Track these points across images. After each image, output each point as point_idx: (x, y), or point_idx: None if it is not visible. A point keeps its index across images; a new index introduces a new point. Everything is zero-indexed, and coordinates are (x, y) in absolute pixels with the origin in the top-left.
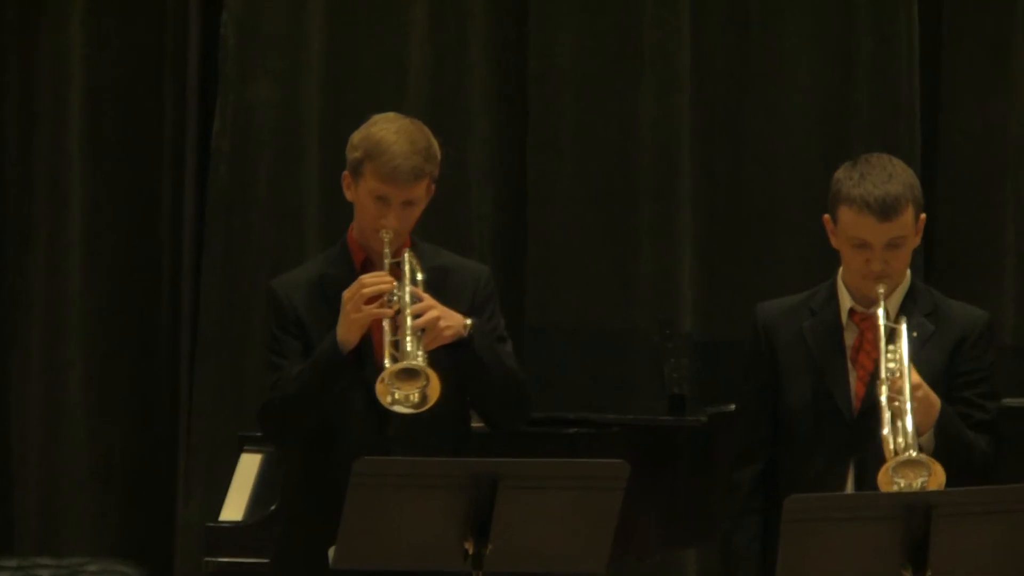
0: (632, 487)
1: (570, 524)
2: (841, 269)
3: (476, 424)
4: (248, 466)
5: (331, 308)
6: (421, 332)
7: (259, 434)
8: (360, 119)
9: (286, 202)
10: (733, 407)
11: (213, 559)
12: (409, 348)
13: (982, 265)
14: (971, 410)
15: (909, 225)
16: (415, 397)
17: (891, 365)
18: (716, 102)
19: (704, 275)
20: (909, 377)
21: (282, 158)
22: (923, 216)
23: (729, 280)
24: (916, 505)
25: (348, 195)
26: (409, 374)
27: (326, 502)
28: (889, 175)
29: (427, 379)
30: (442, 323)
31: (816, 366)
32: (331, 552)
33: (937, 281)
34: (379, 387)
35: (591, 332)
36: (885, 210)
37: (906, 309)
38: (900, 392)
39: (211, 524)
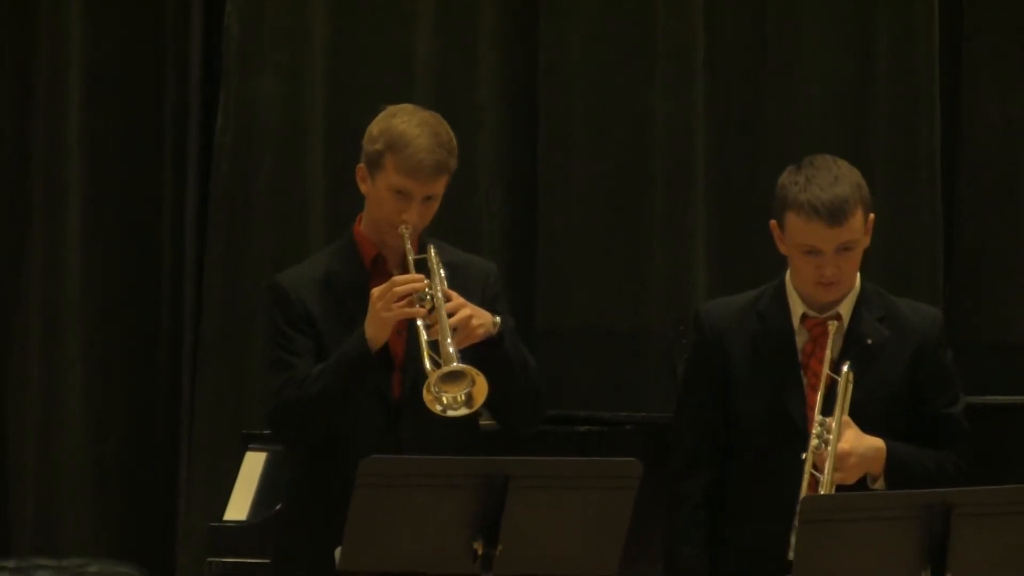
0: (645, 486)
1: (582, 524)
2: (789, 272)
3: (485, 422)
4: (252, 465)
5: (339, 305)
6: (453, 331)
7: (265, 433)
8: (366, 113)
9: (290, 198)
10: None
11: (216, 560)
12: (451, 350)
13: (1004, 259)
14: (941, 424)
15: (859, 228)
16: (462, 398)
17: (816, 431)
18: (731, 96)
19: (718, 273)
20: (835, 447)
21: (286, 153)
22: (872, 216)
23: (743, 278)
24: (935, 505)
25: (363, 188)
26: (454, 376)
27: (332, 504)
28: (835, 177)
29: (473, 380)
30: (474, 321)
31: (768, 374)
32: (337, 553)
33: (958, 276)
34: (426, 395)
35: (603, 331)
36: (834, 214)
37: (858, 314)
38: (821, 467)
39: (214, 524)
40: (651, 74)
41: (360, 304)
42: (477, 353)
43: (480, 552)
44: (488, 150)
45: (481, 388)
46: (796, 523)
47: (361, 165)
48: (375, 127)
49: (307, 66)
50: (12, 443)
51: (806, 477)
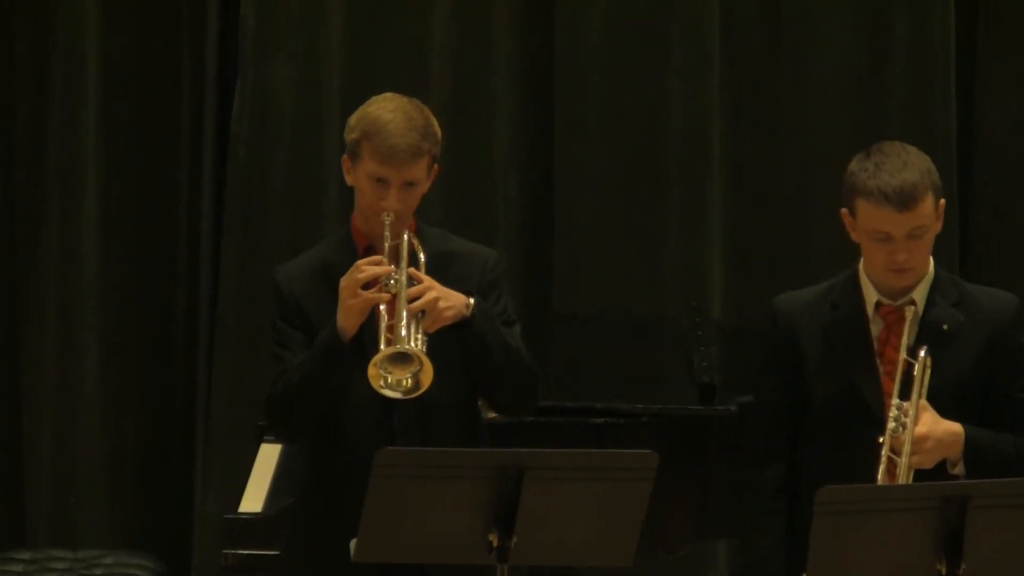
0: (661, 478)
1: (597, 516)
2: (862, 261)
3: (491, 416)
4: (267, 457)
5: (334, 296)
6: (421, 315)
7: None
8: None
9: (306, 185)
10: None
11: (232, 551)
12: (404, 333)
13: (1020, 245)
14: (1017, 409)
15: (929, 213)
16: (408, 382)
17: (894, 415)
18: (747, 82)
19: (734, 260)
20: (912, 431)
21: (302, 140)
22: (942, 201)
23: (760, 266)
24: (951, 496)
25: (348, 180)
26: (402, 359)
27: (336, 494)
28: (904, 163)
29: (420, 364)
30: (441, 304)
31: (842, 362)
32: (352, 544)
33: (974, 267)
34: (371, 371)
35: (619, 319)
36: (904, 200)
37: (932, 300)
38: (898, 451)
39: (230, 516)
40: (667, 60)
41: None
42: (455, 335)
43: (495, 543)
44: (504, 136)
45: (427, 373)
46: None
47: (345, 156)
48: (353, 117)
49: (323, 53)
50: (28, 433)
51: (883, 461)
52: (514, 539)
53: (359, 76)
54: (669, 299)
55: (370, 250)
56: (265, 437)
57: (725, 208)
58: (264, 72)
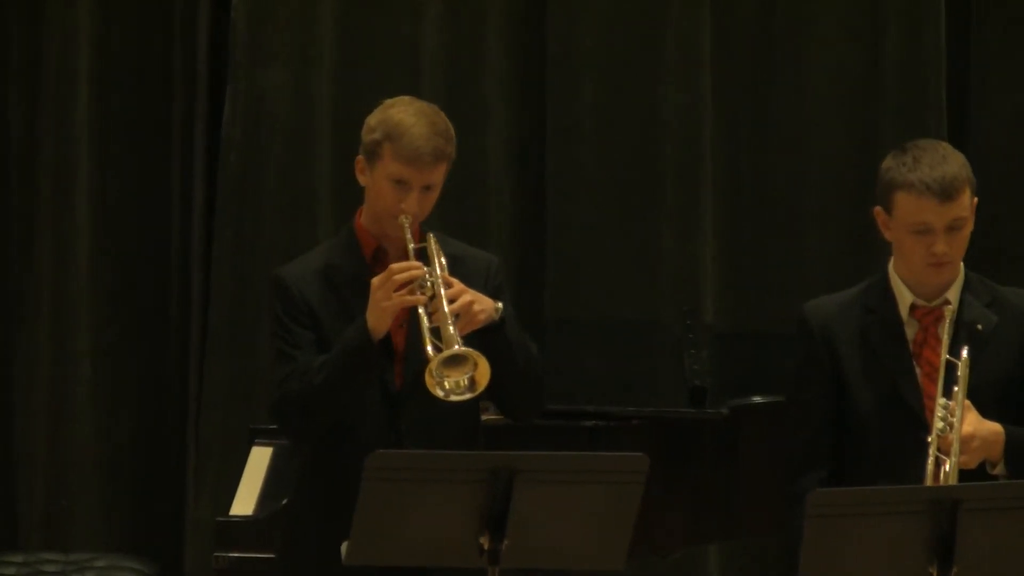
0: (652, 481)
1: (589, 519)
2: (892, 264)
3: (491, 417)
4: (259, 460)
5: (340, 299)
6: (456, 317)
7: (271, 427)
8: (373, 105)
9: (298, 190)
10: (757, 399)
11: (224, 554)
12: (452, 333)
13: (1015, 253)
14: None
15: (968, 206)
16: (464, 382)
17: (940, 415)
18: (740, 87)
19: (727, 265)
20: (959, 431)
21: (294, 145)
22: (975, 199)
23: (752, 270)
24: (943, 499)
25: (361, 179)
26: (455, 360)
27: (337, 497)
28: (943, 156)
29: (475, 364)
30: (476, 307)
31: (880, 365)
32: (344, 547)
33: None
34: (428, 379)
35: (611, 323)
36: (946, 190)
37: (965, 300)
38: (946, 451)
39: (222, 519)
40: (660, 65)
41: (361, 297)
42: (479, 339)
43: (487, 546)
44: (497, 141)
45: (484, 372)
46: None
47: (360, 157)
48: (373, 118)
49: (315, 58)
50: (20, 437)
51: (931, 460)
52: (505, 542)
53: (350, 82)
54: (662, 304)
55: (379, 252)
56: (257, 439)
57: (718, 213)
58: (256, 77)
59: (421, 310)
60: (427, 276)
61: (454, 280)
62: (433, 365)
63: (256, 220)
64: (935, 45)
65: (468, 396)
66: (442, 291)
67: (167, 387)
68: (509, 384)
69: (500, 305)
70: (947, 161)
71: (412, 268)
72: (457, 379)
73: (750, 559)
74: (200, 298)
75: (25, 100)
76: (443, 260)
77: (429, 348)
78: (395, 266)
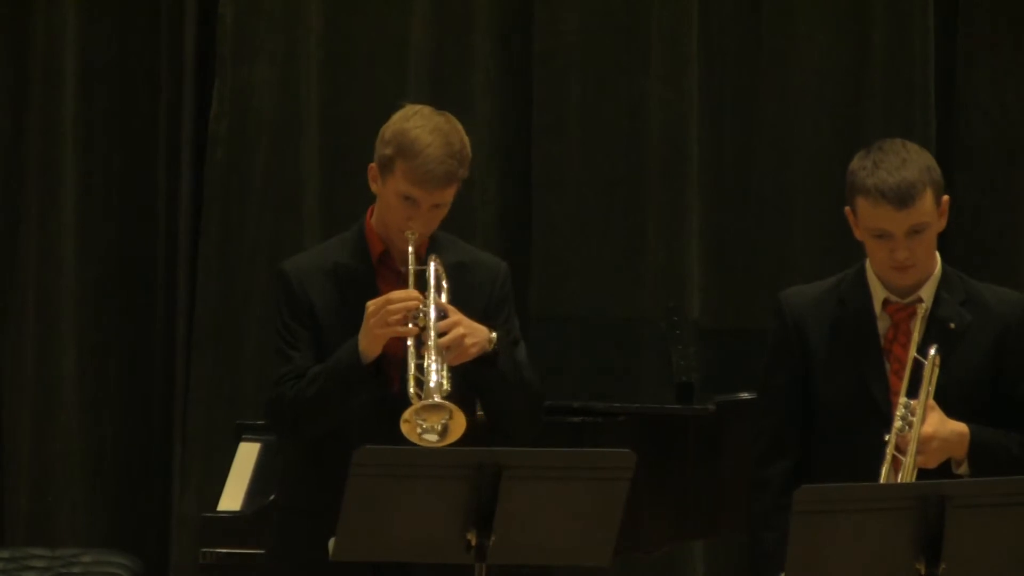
0: (639, 477)
1: (575, 515)
2: (868, 258)
3: (482, 414)
4: (246, 455)
5: (344, 299)
6: (446, 350)
7: (259, 423)
8: (360, 100)
9: (284, 186)
10: (744, 395)
11: (210, 550)
12: (433, 377)
13: (1000, 249)
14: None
15: (929, 210)
16: (438, 428)
17: (900, 413)
18: (726, 84)
19: (712, 261)
20: (919, 430)
21: (280, 141)
22: (946, 198)
23: (738, 267)
24: (930, 496)
25: (373, 187)
26: (434, 407)
27: (327, 494)
28: (903, 160)
29: (450, 414)
30: (468, 340)
31: (850, 359)
32: (331, 543)
33: (954, 266)
34: (404, 427)
35: (597, 320)
36: (901, 197)
37: (940, 298)
38: (904, 450)
39: (208, 515)
40: (645, 61)
41: (363, 298)
42: (472, 369)
43: (473, 542)
44: (482, 137)
45: (459, 423)
46: None
47: (373, 165)
48: (388, 129)
49: (301, 53)
50: (6, 433)
51: (888, 460)
52: (492, 538)
53: (337, 77)
54: (648, 300)
55: (385, 256)
56: (244, 435)
57: (703, 209)
58: (242, 73)
59: (410, 343)
60: (421, 307)
61: (451, 309)
62: (408, 414)
63: (242, 216)
64: (922, 42)
65: (438, 441)
66: (431, 327)
67: (153, 382)
68: (501, 412)
69: (494, 336)
70: (906, 165)
71: (409, 300)
72: (433, 423)
73: (736, 555)
74: (186, 294)
75: (11, 97)
76: (445, 283)
77: (411, 388)
78: (393, 295)
